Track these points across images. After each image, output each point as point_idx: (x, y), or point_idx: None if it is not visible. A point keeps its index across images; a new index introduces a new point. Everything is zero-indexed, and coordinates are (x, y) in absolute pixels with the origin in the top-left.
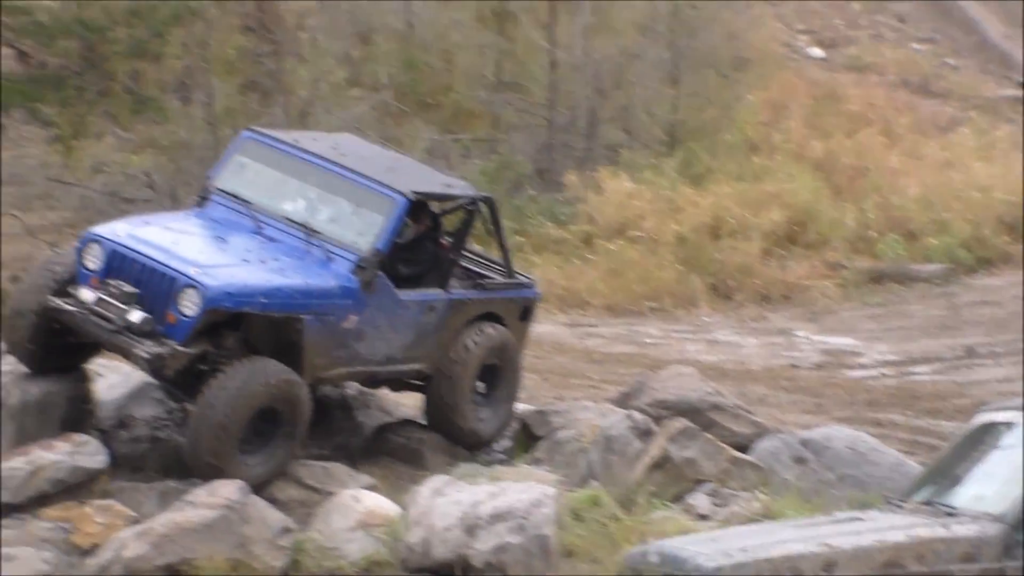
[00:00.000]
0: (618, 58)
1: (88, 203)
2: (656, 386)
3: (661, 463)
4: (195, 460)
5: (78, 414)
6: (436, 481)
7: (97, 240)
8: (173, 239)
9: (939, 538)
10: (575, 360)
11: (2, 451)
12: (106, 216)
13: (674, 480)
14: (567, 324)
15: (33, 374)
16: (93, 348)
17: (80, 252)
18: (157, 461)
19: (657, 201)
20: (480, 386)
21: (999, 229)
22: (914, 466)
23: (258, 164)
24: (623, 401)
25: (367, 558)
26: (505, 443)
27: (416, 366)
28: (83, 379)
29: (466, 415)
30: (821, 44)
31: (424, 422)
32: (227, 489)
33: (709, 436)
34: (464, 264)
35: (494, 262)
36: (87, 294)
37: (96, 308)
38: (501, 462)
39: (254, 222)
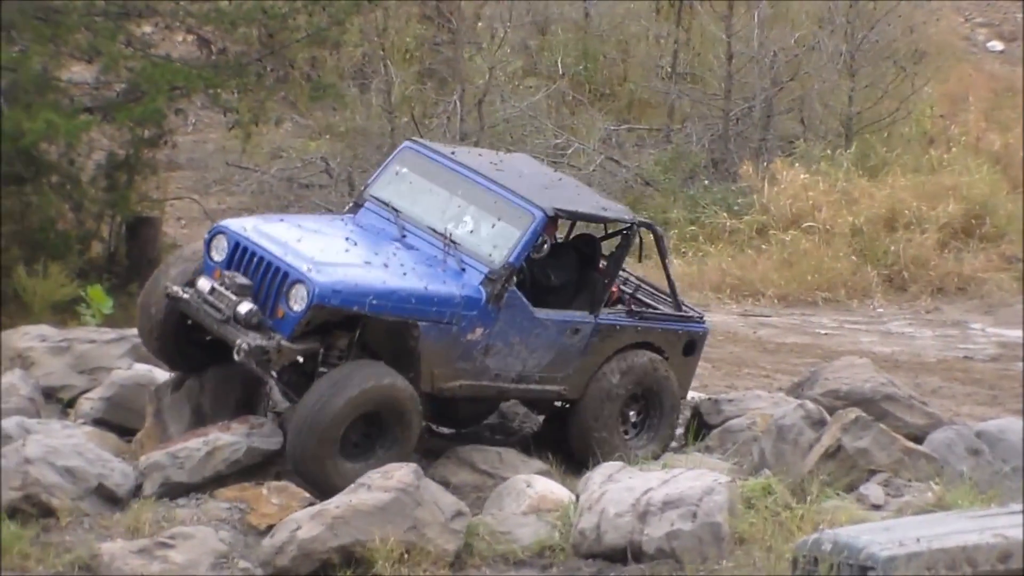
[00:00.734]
0: (795, 49)
1: (265, 188)
2: (829, 376)
3: (834, 453)
4: (293, 461)
5: (254, 396)
6: (608, 467)
7: (223, 232)
8: (298, 236)
9: None
10: (748, 350)
11: (180, 433)
12: (283, 201)
13: (847, 470)
14: (740, 314)
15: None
16: (224, 347)
17: (207, 243)
18: None
19: (832, 192)
20: (632, 415)
21: None
22: None
23: (414, 174)
24: (796, 391)
25: (539, 543)
26: (678, 431)
27: (556, 388)
28: None
29: (613, 445)
30: (1001, 37)
31: None
32: (402, 472)
33: (883, 426)
34: (634, 293)
35: (666, 294)
36: (204, 283)
37: (209, 297)
38: (673, 450)
39: (399, 230)
